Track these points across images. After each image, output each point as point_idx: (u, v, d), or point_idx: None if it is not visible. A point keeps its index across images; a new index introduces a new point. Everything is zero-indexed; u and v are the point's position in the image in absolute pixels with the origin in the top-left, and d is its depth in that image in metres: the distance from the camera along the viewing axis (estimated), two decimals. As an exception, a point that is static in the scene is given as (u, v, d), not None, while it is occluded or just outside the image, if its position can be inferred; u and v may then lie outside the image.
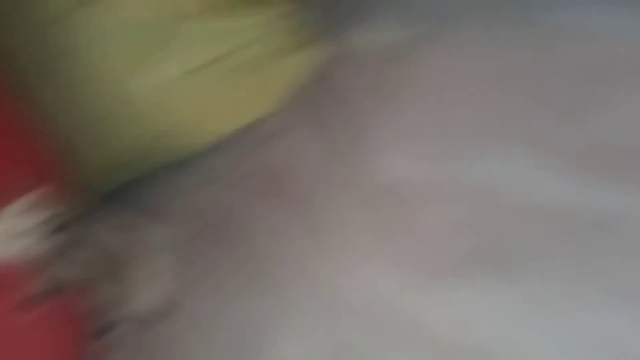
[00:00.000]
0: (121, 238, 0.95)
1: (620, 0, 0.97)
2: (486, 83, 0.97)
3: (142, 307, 0.99)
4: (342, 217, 0.94)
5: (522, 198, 0.86)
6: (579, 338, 0.75)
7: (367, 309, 0.85)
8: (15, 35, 1.03)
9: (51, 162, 1.09)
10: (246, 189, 1.03)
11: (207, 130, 1.05)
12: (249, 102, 1.06)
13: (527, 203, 0.85)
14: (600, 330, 0.74)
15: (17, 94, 1.07)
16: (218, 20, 1.02)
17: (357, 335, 0.84)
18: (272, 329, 0.89)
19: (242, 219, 1.00)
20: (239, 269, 0.96)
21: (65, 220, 0.88)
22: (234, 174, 1.05)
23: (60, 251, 0.90)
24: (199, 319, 0.95)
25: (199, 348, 0.94)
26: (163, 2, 0.99)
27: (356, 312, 0.85)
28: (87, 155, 1.08)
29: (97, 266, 0.93)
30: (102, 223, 0.94)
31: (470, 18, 1.04)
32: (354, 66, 1.07)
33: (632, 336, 0.73)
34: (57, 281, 0.93)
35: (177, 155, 1.08)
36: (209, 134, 1.05)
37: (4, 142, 1.02)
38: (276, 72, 1.06)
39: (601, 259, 0.78)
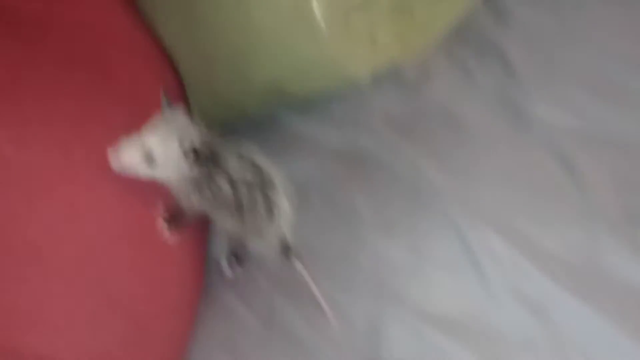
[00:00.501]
0: (253, 170, 0.98)
1: None
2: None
3: (270, 243, 1.04)
4: (499, 166, 0.97)
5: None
6: None
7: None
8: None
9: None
10: (394, 129, 1.07)
11: (362, 65, 1.07)
12: (406, 40, 1.08)
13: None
14: None
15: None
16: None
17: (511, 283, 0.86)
18: (410, 275, 0.93)
19: (385, 161, 1.04)
20: (378, 211, 1.00)
21: (202, 147, 0.92)
22: (380, 115, 1.10)
23: (197, 178, 0.95)
24: (334, 260, 1.01)
25: (333, 289, 0.97)
26: None
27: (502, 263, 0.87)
28: (235, 82, 1.15)
29: (228, 197, 0.97)
30: (234, 154, 0.97)
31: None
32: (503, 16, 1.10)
33: None
34: (192, 209, 1.01)
35: (328, 89, 1.13)
36: (363, 69, 1.07)
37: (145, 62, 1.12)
38: (435, 13, 1.09)
39: None
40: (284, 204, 1.05)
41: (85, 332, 0.91)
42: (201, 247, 1.15)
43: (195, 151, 0.92)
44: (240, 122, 1.26)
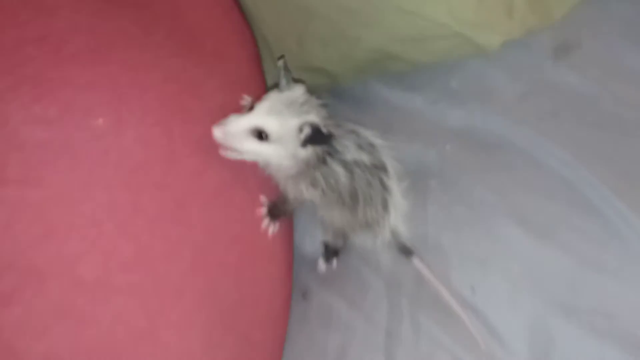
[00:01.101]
0: (370, 151, 0.87)
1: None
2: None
3: (383, 237, 0.93)
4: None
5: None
6: None
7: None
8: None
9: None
10: (529, 111, 0.93)
11: (495, 32, 0.93)
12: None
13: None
14: None
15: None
16: None
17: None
18: (576, 282, 0.82)
19: (521, 147, 0.91)
20: (517, 206, 0.88)
21: (322, 125, 0.79)
22: (510, 93, 0.97)
23: (310, 160, 0.83)
24: (467, 259, 0.89)
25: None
26: None
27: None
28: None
29: (342, 182, 0.86)
30: (350, 132, 0.86)
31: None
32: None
33: None
34: (298, 198, 0.89)
35: (444, 59, 0.99)
36: (495, 37, 0.93)
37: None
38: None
39: None
40: (396, 191, 0.92)
41: (200, 354, 0.76)
42: (290, 242, 1.01)
43: (315, 130, 0.79)
44: (324, 91, 1.11)
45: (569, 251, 0.82)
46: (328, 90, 1.13)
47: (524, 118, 0.93)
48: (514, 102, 0.94)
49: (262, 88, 1.07)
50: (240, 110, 0.94)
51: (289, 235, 1.00)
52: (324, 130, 0.78)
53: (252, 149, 0.81)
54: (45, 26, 0.76)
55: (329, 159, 0.85)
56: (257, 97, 1.02)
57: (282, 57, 0.85)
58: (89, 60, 0.76)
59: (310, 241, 1.05)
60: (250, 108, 0.93)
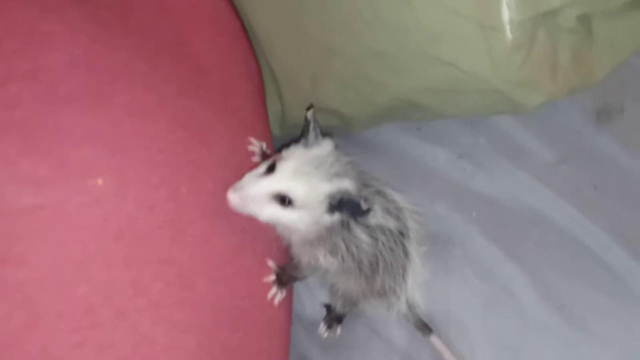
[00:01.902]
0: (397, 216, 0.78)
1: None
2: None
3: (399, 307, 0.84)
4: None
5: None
6: None
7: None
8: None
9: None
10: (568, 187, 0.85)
11: (536, 91, 0.83)
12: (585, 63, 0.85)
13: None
14: None
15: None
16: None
17: None
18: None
19: (560, 225, 0.83)
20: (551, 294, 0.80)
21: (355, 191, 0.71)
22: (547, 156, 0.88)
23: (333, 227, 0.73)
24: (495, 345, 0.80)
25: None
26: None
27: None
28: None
29: (364, 250, 0.76)
30: (375, 203, 0.75)
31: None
32: None
33: None
34: (311, 265, 0.80)
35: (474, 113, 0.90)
36: (536, 96, 0.83)
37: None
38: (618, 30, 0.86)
39: None
40: (416, 258, 0.83)
41: None
42: (290, 305, 0.90)
43: (351, 201, 0.69)
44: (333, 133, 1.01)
45: (610, 349, 0.75)
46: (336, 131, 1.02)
47: (560, 189, 0.85)
48: (549, 168, 0.86)
49: (266, 127, 0.96)
50: (248, 157, 0.83)
51: (289, 297, 0.89)
52: (363, 204, 0.67)
53: (273, 216, 0.70)
54: (37, 59, 0.62)
55: (352, 224, 0.75)
56: (262, 138, 0.92)
57: (311, 107, 0.75)
58: (87, 104, 0.63)
59: (310, 301, 0.95)
60: (264, 157, 0.83)
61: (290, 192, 0.69)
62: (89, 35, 0.68)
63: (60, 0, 0.68)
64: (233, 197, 0.68)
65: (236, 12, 0.96)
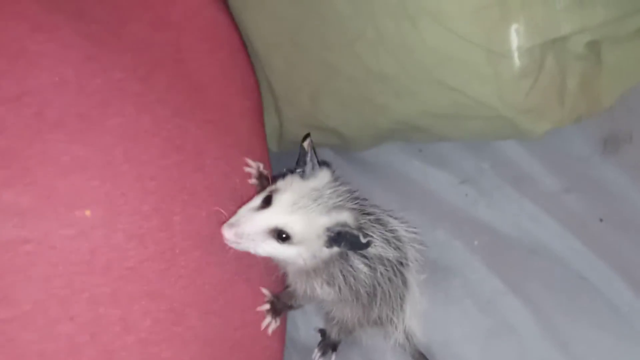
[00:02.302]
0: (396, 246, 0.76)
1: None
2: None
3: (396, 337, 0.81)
4: None
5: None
6: None
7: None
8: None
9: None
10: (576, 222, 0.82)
11: (544, 119, 0.80)
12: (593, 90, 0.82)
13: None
14: None
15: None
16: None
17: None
18: None
19: (566, 261, 0.80)
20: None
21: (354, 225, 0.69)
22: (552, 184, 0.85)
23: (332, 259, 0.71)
24: None
25: None
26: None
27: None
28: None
29: (362, 280, 0.74)
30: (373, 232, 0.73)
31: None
32: None
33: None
34: (306, 295, 0.77)
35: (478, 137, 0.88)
36: (543, 124, 0.81)
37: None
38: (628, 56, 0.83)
39: None
40: (414, 287, 0.81)
41: None
42: (283, 330, 0.87)
43: (350, 235, 0.66)
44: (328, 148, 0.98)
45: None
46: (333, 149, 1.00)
47: (565, 219, 0.82)
48: (554, 197, 0.83)
49: (263, 145, 0.92)
50: (244, 179, 0.80)
51: (283, 323, 0.86)
52: (362, 238, 0.65)
53: (270, 251, 0.67)
54: (24, 81, 0.59)
55: (350, 254, 0.72)
56: (259, 157, 0.89)
57: (307, 136, 0.71)
58: (76, 129, 0.60)
59: (305, 325, 0.92)
60: (260, 178, 0.80)
61: (288, 227, 0.66)
62: (81, 53, 0.65)
63: (53, 17, 0.65)
64: (228, 234, 0.65)
65: (235, 25, 0.93)
